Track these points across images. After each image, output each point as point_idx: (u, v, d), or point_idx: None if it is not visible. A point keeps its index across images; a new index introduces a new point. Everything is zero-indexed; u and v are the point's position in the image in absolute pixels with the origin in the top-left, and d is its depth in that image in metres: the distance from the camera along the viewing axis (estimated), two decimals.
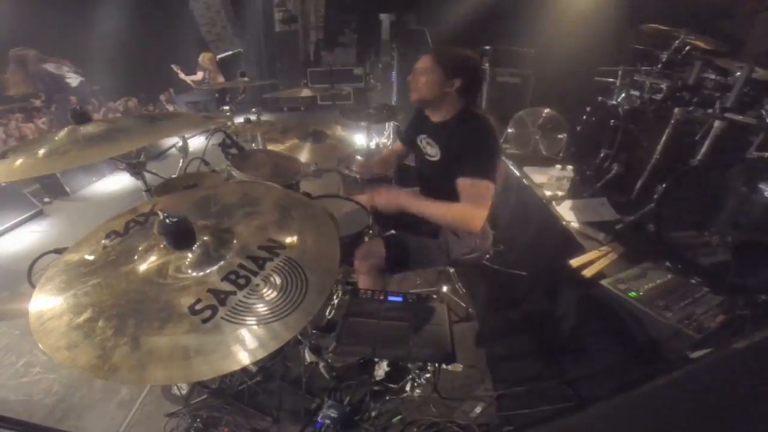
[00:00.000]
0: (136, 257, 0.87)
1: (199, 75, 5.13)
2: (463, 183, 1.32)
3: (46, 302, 0.79)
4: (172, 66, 5.01)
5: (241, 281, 0.80)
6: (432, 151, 1.55)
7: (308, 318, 0.78)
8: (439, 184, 1.55)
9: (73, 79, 4.50)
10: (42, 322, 0.75)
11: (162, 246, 0.86)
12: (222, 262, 0.84)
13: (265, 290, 0.79)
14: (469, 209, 1.30)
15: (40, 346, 0.70)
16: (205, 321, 0.73)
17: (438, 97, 1.42)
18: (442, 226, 1.46)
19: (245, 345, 0.71)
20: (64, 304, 0.78)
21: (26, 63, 4.25)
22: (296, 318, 0.76)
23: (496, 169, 1.35)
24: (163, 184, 1.66)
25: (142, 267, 0.85)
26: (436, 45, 1.44)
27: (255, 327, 0.73)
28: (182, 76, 5.07)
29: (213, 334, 0.71)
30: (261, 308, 0.76)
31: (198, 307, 0.75)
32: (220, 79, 5.18)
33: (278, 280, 0.81)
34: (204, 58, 5.19)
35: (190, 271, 0.83)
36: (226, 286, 0.79)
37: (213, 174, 1.89)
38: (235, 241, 0.90)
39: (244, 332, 0.72)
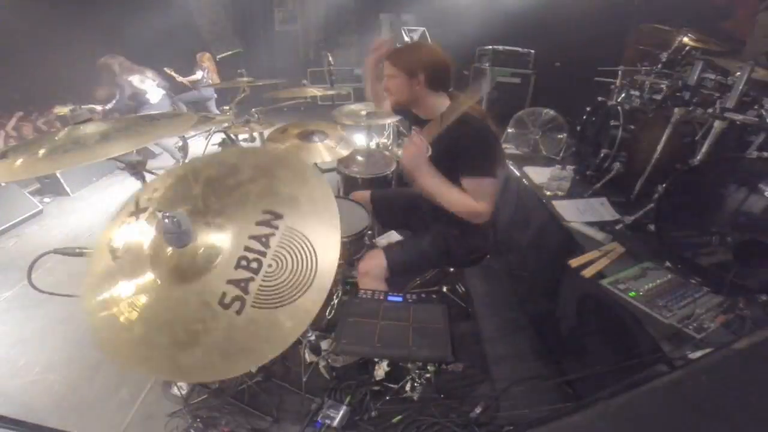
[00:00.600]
0: (147, 261, 0.88)
1: (198, 74, 5.10)
2: (466, 183, 1.37)
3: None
4: (165, 69, 4.92)
5: (254, 265, 0.81)
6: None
7: (331, 279, 0.80)
8: None
9: (154, 94, 4.24)
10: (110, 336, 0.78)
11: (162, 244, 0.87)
12: (229, 248, 0.86)
13: (279, 270, 0.81)
14: (475, 205, 1.35)
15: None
16: (238, 312, 0.76)
17: (411, 96, 1.44)
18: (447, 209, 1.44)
19: (283, 324, 0.74)
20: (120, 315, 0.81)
21: (112, 72, 4.10)
22: (318, 285, 0.79)
23: (496, 165, 1.38)
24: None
25: (159, 271, 0.86)
26: (388, 53, 1.45)
27: (285, 307, 0.76)
28: (179, 78, 5.02)
29: (248, 323, 0.74)
30: (283, 287, 0.79)
31: (227, 300, 0.77)
32: (217, 78, 5.17)
33: (288, 257, 0.82)
34: (202, 57, 5.16)
35: (199, 270, 0.84)
36: (243, 274, 0.80)
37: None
38: (230, 227, 0.89)
39: (277, 314, 0.75)
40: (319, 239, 0.85)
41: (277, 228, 0.86)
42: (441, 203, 1.40)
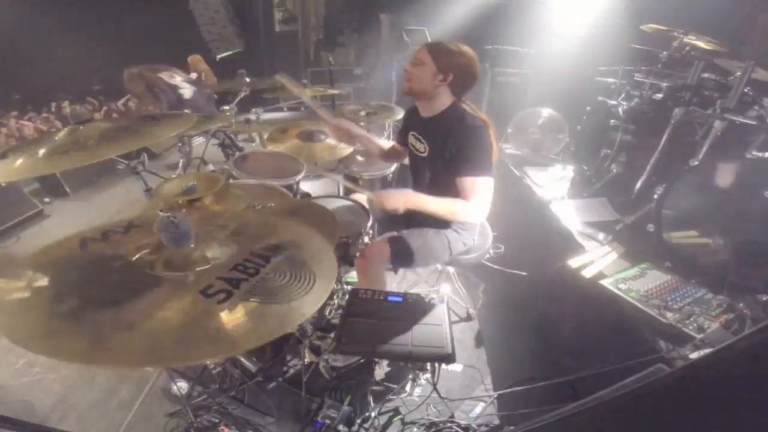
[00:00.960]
0: (125, 253, 0.87)
1: (193, 75, 5.06)
2: (462, 182, 1.38)
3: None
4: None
5: (251, 271, 0.82)
6: (420, 147, 1.56)
7: (323, 300, 0.81)
8: (428, 178, 1.57)
9: (187, 89, 4.09)
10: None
11: (156, 243, 0.87)
12: (226, 257, 0.86)
13: (276, 278, 0.82)
14: (471, 205, 1.37)
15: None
16: (220, 302, 0.74)
17: (429, 89, 1.42)
18: (448, 219, 1.52)
19: (268, 322, 0.73)
20: (36, 296, 0.74)
21: (141, 79, 4.04)
22: (312, 299, 0.79)
23: (492, 164, 1.40)
24: (163, 183, 1.66)
25: (136, 260, 0.85)
26: (433, 40, 1.44)
27: (277, 304, 0.76)
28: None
29: (230, 314, 0.73)
30: (275, 291, 0.79)
31: (210, 291, 0.76)
32: (213, 77, 5.13)
33: (287, 271, 0.84)
34: (194, 59, 5.14)
35: (189, 265, 0.84)
36: (237, 275, 0.81)
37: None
38: (234, 244, 0.91)
39: (265, 309, 0.75)
40: (319, 268, 0.87)
41: (279, 255, 0.89)
42: (442, 216, 1.45)
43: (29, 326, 0.68)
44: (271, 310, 0.75)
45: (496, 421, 1.50)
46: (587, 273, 1.51)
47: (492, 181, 1.39)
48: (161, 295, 0.76)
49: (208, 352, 0.68)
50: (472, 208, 1.38)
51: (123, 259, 0.85)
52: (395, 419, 1.49)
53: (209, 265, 0.84)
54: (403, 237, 1.58)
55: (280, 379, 1.64)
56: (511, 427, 1.46)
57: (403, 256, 1.53)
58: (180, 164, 3.02)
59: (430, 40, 4.19)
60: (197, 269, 0.82)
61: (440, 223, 1.58)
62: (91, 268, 0.83)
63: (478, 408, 1.52)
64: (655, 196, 1.69)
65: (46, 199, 3.49)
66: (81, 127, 1.19)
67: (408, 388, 1.48)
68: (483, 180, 1.37)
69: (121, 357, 0.65)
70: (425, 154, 1.53)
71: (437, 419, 1.47)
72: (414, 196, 1.44)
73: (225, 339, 0.69)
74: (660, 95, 2.20)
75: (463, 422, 1.47)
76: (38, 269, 0.82)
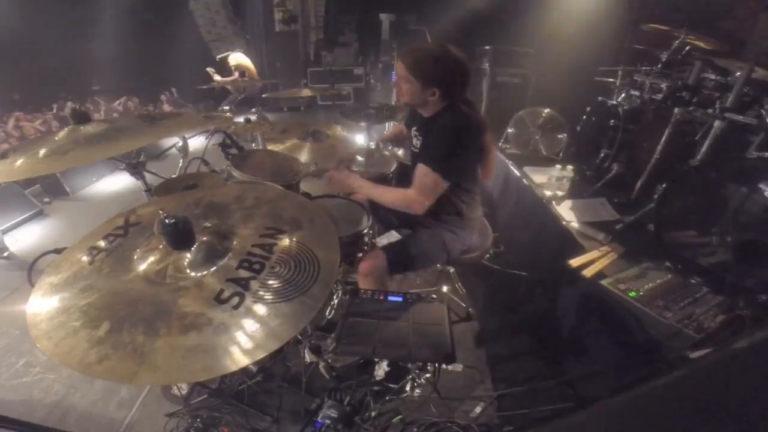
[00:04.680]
0: (133, 265, 0.87)
1: (236, 74, 5.00)
2: (417, 168, 1.39)
3: (50, 324, 0.77)
4: (208, 69, 4.62)
5: (257, 266, 0.83)
6: (417, 143, 1.58)
7: (330, 287, 0.83)
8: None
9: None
10: (56, 344, 0.73)
11: (160, 248, 0.86)
12: (229, 255, 0.87)
13: (282, 271, 0.83)
14: (411, 195, 1.39)
15: (67, 368, 0.69)
16: (235, 307, 0.75)
17: (423, 102, 1.43)
18: (390, 207, 1.53)
19: (284, 320, 0.75)
20: (73, 321, 0.76)
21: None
22: (320, 288, 0.81)
23: (454, 169, 1.36)
24: (163, 184, 1.66)
25: (146, 272, 0.85)
26: (406, 53, 1.36)
27: (287, 302, 0.77)
28: (218, 78, 4.88)
29: (247, 317, 0.74)
30: (284, 286, 0.80)
31: (224, 296, 0.77)
32: (255, 73, 5.06)
33: (291, 261, 0.85)
34: (237, 63, 5.03)
35: (198, 269, 0.84)
36: (245, 274, 0.81)
37: (211, 174, 1.88)
38: (235, 236, 0.92)
39: (279, 308, 0.76)
40: (320, 247, 0.89)
41: (280, 240, 0.90)
42: (382, 203, 1.51)
43: (83, 355, 0.69)
44: (286, 308, 0.76)
45: (496, 421, 1.50)
46: (587, 273, 1.50)
47: (442, 183, 1.35)
48: (182, 305, 0.76)
49: (243, 358, 0.69)
50: (409, 200, 1.38)
51: (133, 271, 0.85)
52: (395, 419, 1.49)
53: (215, 267, 0.84)
54: (399, 245, 1.59)
55: (276, 380, 1.64)
56: (511, 427, 1.46)
57: (399, 265, 1.54)
58: (180, 164, 3.02)
59: (429, 40, 4.18)
60: (206, 273, 0.83)
61: (437, 226, 1.58)
62: (105, 286, 0.83)
63: (478, 408, 1.52)
64: (655, 196, 1.69)
65: (46, 199, 3.49)
66: (81, 127, 1.19)
67: (408, 388, 1.48)
68: (433, 176, 1.33)
69: (171, 373, 0.68)
70: (418, 151, 1.56)
71: (437, 419, 1.47)
72: (356, 181, 1.55)
73: (254, 343, 0.71)
74: (660, 95, 2.20)
75: (463, 422, 1.47)
76: (57, 291, 0.83)
